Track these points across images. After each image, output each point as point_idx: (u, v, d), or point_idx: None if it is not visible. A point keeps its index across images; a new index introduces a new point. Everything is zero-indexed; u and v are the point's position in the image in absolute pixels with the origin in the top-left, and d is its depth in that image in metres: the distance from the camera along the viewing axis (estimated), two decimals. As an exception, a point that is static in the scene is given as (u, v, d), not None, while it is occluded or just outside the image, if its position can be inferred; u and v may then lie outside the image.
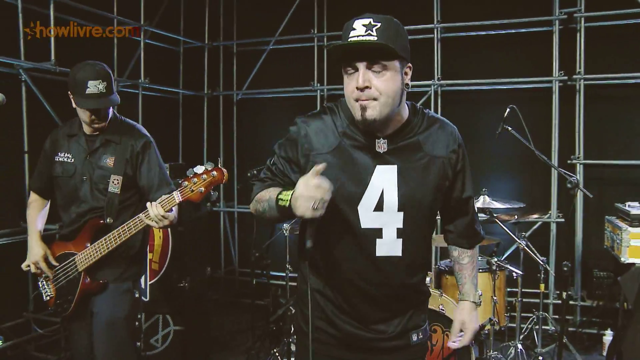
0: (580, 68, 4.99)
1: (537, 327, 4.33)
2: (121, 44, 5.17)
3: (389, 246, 1.82)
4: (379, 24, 1.66)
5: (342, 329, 1.93)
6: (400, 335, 1.94)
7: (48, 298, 2.98)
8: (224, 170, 2.62)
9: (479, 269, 4.11)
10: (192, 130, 6.30)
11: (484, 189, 4.06)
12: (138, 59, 5.33)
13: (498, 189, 5.08)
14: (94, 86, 2.73)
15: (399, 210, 1.80)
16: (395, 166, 1.79)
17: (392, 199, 1.79)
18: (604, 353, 4.42)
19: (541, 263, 3.97)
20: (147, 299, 4.14)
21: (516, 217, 4.38)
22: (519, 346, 3.99)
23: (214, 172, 2.60)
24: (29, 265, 2.95)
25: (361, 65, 1.68)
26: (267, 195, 1.80)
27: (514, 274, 4.01)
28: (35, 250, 2.92)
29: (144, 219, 2.69)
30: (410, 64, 1.77)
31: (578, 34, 5.00)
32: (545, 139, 5.11)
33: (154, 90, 5.64)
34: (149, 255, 4.14)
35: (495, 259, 3.90)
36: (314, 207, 1.55)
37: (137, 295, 3.02)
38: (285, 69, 6.12)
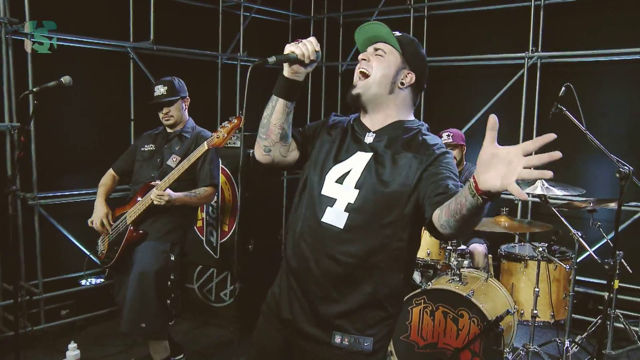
0: None
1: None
2: (229, 21, 5.66)
3: (335, 216, 1.90)
4: (400, 34, 1.99)
5: (280, 297, 2.04)
6: (322, 324, 1.93)
7: (100, 254, 3.61)
8: (242, 117, 3.24)
9: (532, 257, 3.91)
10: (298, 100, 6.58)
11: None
12: (244, 33, 5.72)
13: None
14: (158, 90, 3.54)
15: (355, 187, 1.89)
16: (371, 154, 1.94)
17: (354, 177, 1.91)
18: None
19: (595, 256, 3.64)
20: (217, 256, 4.60)
21: (591, 204, 4.04)
22: (566, 342, 3.74)
23: (234, 120, 3.21)
24: (92, 222, 3.58)
25: (370, 48, 2.00)
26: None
27: (566, 266, 3.76)
28: (99, 210, 3.58)
29: (149, 196, 3.31)
30: (412, 73, 1.97)
31: None
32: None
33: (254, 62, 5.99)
34: (220, 217, 4.58)
35: (542, 248, 3.67)
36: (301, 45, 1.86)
37: (172, 259, 3.49)
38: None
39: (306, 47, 1.85)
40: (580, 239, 3.65)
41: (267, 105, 1.99)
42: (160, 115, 3.61)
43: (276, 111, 1.96)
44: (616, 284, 3.80)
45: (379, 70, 1.93)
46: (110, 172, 3.76)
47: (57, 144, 4.60)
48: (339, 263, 1.89)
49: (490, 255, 4.30)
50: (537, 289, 3.64)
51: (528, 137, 5.09)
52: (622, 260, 3.70)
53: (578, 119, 3.47)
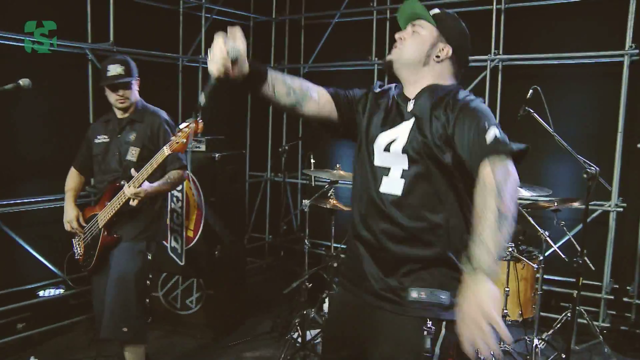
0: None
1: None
2: (190, 22, 5.54)
3: (392, 184, 1.95)
4: (438, 10, 2.04)
5: (352, 265, 2.09)
6: (397, 285, 1.93)
7: (78, 257, 3.46)
8: (200, 121, 2.90)
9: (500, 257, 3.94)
10: (259, 103, 6.52)
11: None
12: (206, 35, 5.62)
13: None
14: (113, 69, 3.28)
15: (402, 152, 1.93)
16: (413, 119, 1.97)
17: (400, 142, 1.95)
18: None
19: (563, 255, 3.73)
20: (183, 263, 4.49)
21: (555, 204, 4.13)
22: (535, 340, 3.81)
23: (192, 125, 2.96)
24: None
25: (409, 26, 2.05)
26: None
27: (534, 265, 3.83)
28: (69, 213, 3.42)
29: (124, 193, 3.13)
30: (449, 47, 2.00)
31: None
32: (613, 119, 4.70)
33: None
34: (185, 223, 4.47)
35: (511, 249, 3.73)
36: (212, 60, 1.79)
37: (149, 257, 3.39)
38: (350, 42, 6.13)
39: (214, 62, 1.79)
40: (547, 238, 3.71)
41: None
42: (113, 97, 3.34)
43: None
44: (580, 281, 3.90)
45: (411, 46, 2.00)
46: (73, 171, 3.57)
47: (12, 150, 4.39)
48: (404, 228, 1.92)
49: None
50: (508, 289, 3.70)
51: (490, 138, 5.15)
52: (586, 258, 3.80)
53: (545, 121, 3.54)
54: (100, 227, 3.29)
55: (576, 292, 3.40)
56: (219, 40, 1.79)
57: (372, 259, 2.00)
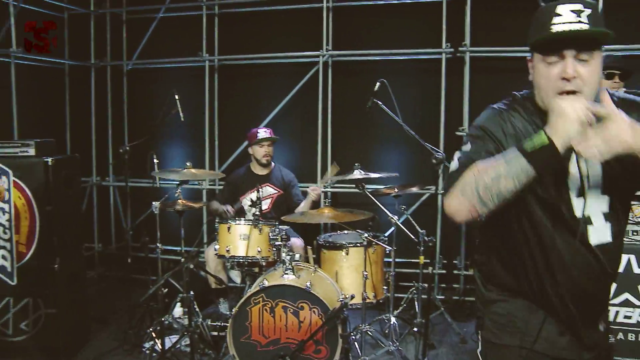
0: (466, 40, 5.02)
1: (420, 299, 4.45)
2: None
3: (600, 232, 1.75)
4: (589, 11, 1.60)
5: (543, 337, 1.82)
6: (595, 322, 1.86)
7: None
8: None
9: (353, 244, 4.11)
10: (79, 102, 6.04)
11: (356, 164, 4.06)
12: (11, 26, 4.97)
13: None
14: None
15: (602, 193, 1.74)
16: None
17: (595, 183, 1.74)
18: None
19: (413, 236, 4.03)
20: (14, 282, 3.99)
21: (396, 190, 4.44)
22: (392, 318, 4.07)
23: None
24: None
25: (570, 54, 1.61)
26: (493, 162, 1.62)
27: (387, 248, 4.09)
28: None
29: None
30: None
31: (466, 6, 5.00)
32: (435, 110, 5.18)
33: (32, 60, 5.33)
34: (15, 237, 3.97)
35: (366, 235, 3.92)
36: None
37: None
38: (178, 38, 5.93)
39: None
40: (398, 222, 3.97)
41: (490, 172, 1.60)
42: None
43: (504, 184, 1.59)
44: (422, 259, 4.26)
45: (591, 81, 1.69)
46: None
47: None
48: (611, 273, 1.80)
49: (309, 247, 4.44)
50: (366, 273, 3.88)
51: (324, 129, 5.39)
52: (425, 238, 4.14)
53: (390, 112, 3.79)
54: None
55: (431, 269, 3.70)
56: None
57: (578, 312, 1.79)
